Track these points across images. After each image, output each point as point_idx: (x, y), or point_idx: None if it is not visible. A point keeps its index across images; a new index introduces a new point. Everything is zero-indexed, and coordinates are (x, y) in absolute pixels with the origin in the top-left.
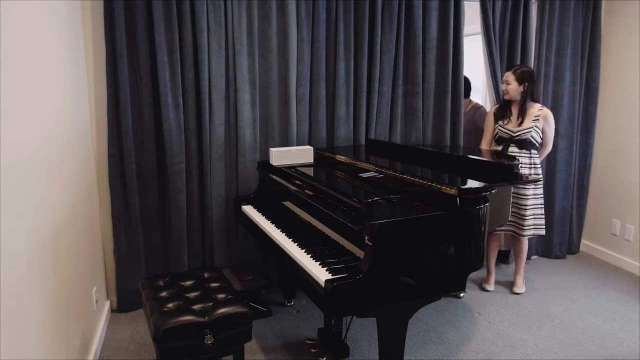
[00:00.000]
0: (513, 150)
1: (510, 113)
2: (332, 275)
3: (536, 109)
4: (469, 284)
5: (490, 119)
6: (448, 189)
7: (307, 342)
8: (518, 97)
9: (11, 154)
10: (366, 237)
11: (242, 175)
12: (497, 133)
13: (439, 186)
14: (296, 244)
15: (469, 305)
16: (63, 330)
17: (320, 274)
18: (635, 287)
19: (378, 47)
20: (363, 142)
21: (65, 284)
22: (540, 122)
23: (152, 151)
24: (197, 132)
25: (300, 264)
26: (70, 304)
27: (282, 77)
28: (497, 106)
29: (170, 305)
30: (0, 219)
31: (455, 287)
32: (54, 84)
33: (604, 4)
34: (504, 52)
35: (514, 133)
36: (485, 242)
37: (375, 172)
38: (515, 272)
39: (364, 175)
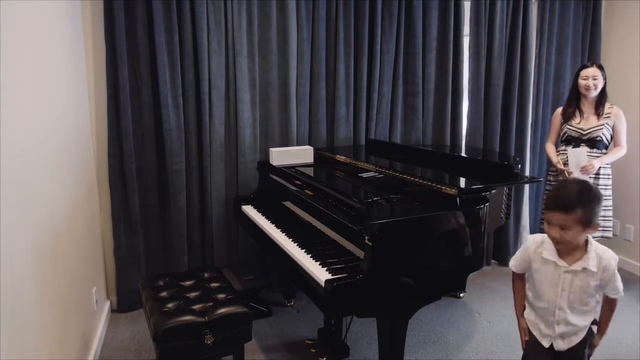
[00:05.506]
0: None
1: (580, 111)
2: (332, 275)
3: (606, 105)
4: (469, 284)
5: (556, 117)
6: (448, 189)
7: (307, 342)
8: (597, 93)
9: (11, 154)
10: (366, 237)
11: (242, 175)
12: (565, 132)
13: (439, 186)
14: (296, 244)
15: (469, 305)
16: (63, 330)
17: (320, 274)
18: (635, 287)
19: (378, 47)
20: (363, 142)
21: (65, 284)
22: (611, 119)
23: (152, 151)
24: (197, 132)
25: (301, 264)
26: (70, 304)
27: (282, 77)
28: (564, 105)
29: (170, 305)
30: (0, 218)
31: (455, 287)
32: (54, 84)
33: (604, 4)
34: (504, 52)
35: (584, 131)
36: (485, 242)
37: (375, 172)
38: None
39: (364, 175)
